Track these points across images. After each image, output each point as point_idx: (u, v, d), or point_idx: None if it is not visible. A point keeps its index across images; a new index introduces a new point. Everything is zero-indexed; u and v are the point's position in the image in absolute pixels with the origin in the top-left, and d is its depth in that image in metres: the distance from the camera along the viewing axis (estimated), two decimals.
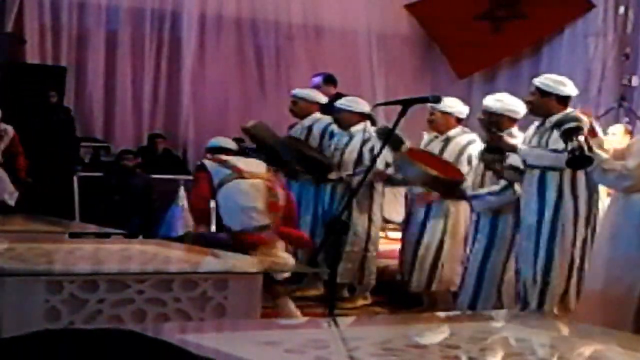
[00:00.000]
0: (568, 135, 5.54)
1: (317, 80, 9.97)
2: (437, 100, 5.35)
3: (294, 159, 8.05)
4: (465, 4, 13.07)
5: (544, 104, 6.18)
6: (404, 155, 6.93)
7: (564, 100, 6.19)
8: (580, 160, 5.46)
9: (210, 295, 4.54)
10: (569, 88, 6.23)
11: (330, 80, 9.90)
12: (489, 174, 6.62)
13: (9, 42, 11.57)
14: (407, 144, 7.22)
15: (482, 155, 6.52)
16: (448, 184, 6.80)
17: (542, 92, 6.18)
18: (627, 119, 9.44)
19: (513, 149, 6.24)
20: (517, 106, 6.60)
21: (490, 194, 6.57)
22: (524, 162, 6.22)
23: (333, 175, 7.92)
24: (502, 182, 6.50)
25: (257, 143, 8.44)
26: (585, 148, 5.43)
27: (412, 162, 6.85)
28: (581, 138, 5.49)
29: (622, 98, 10.83)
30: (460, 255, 7.11)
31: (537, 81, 6.25)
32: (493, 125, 6.39)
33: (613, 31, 12.22)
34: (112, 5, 12.31)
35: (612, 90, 11.61)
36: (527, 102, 6.34)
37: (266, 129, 8.34)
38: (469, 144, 7.19)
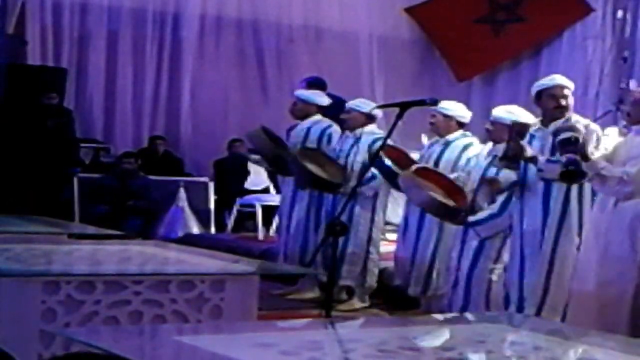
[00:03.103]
0: (563, 146, 5.52)
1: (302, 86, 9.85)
2: (434, 102, 5.35)
3: (302, 179, 7.98)
4: (465, 8, 13.10)
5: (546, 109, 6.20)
6: (410, 175, 6.82)
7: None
8: (573, 174, 5.45)
9: (207, 296, 4.54)
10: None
11: (313, 84, 9.81)
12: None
13: (11, 43, 11.59)
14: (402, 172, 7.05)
15: (497, 162, 6.47)
16: (451, 211, 6.71)
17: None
18: (624, 122, 9.45)
19: (533, 160, 6.18)
20: (527, 116, 6.60)
21: (492, 216, 6.54)
22: (539, 174, 6.18)
23: (345, 189, 7.84)
24: (500, 199, 6.48)
25: (260, 152, 8.44)
26: (580, 161, 5.41)
27: (417, 185, 6.68)
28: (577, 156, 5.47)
29: (620, 101, 10.84)
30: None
31: (532, 88, 6.28)
32: (518, 134, 6.33)
33: (611, 35, 12.26)
34: (114, 7, 12.34)
35: (610, 94, 11.64)
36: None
37: (265, 137, 8.27)
38: (466, 148, 7.20)
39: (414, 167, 6.89)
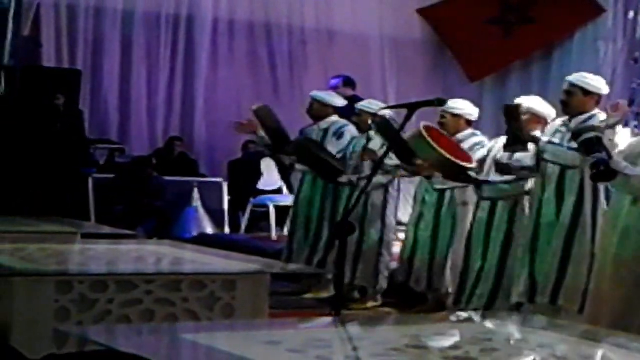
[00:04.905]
0: (588, 147, 5.52)
1: (336, 82, 9.97)
2: (443, 103, 5.36)
3: (305, 161, 8.08)
4: (477, 9, 13.09)
5: (583, 103, 6.23)
6: (421, 135, 6.88)
7: (600, 101, 6.26)
8: (605, 174, 5.44)
9: (218, 295, 4.58)
10: (605, 88, 6.33)
11: (349, 82, 9.92)
12: None
13: (26, 45, 11.66)
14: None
15: (505, 149, 6.52)
16: (457, 168, 6.79)
17: (584, 91, 6.22)
18: (635, 123, 9.47)
19: (534, 140, 6.22)
20: (544, 108, 6.61)
21: (504, 182, 6.60)
22: (541, 155, 6.23)
23: (343, 179, 7.93)
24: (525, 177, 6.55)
25: (263, 126, 8.42)
26: (608, 159, 5.41)
27: (427, 142, 6.76)
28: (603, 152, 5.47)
29: (631, 102, 10.85)
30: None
31: (576, 79, 6.28)
32: (512, 116, 6.36)
33: (622, 36, 12.26)
34: (128, 10, 12.39)
35: (622, 94, 11.61)
36: (563, 102, 6.35)
37: (270, 114, 8.33)
38: (475, 146, 7.23)
39: (422, 124, 6.94)
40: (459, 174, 6.80)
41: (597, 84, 6.27)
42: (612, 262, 5.62)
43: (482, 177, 6.76)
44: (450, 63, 13.56)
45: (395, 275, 7.86)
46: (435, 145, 6.63)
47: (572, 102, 6.26)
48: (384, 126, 7.36)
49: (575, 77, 6.31)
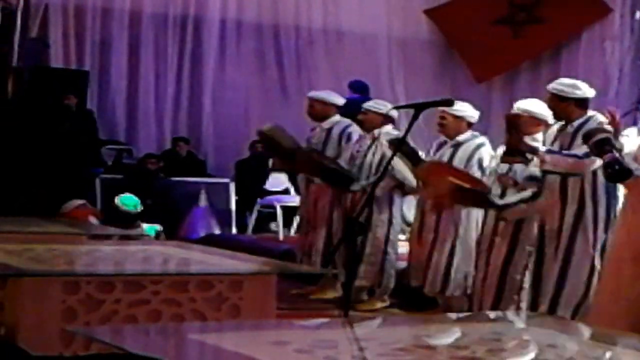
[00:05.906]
0: (599, 148, 5.50)
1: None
2: (450, 103, 5.34)
3: (315, 173, 8.06)
4: (484, 9, 13.11)
5: (563, 110, 6.20)
6: (430, 168, 6.87)
7: (583, 103, 6.21)
8: (619, 173, 5.42)
9: (225, 295, 4.58)
10: (584, 90, 6.25)
11: (350, 86, 9.93)
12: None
13: (34, 46, 11.71)
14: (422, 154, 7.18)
15: (502, 159, 6.51)
16: (476, 195, 6.74)
17: (559, 98, 6.20)
18: None
19: (533, 150, 6.22)
20: (543, 110, 6.60)
21: (522, 201, 6.56)
22: (541, 166, 6.23)
23: (356, 187, 7.89)
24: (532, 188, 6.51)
25: (273, 146, 8.37)
26: (621, 159, 5.39)
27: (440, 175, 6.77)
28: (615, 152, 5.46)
29: (638, 101, 10.88)
30: (472, 260, 7.11)
31: (552, 87, 6.28)
32: (513, 126, 6.37)
33: (629, 36, 12.28)
34: (135, 11, 12.43)
35: (629, 94, 11.65)
36: (550, 108, 6.36)
37: (283, 132, 8.29)
38: (478, 148, 7.19)
39: (429, 159, 6.90)
40: (479, 201, 6.71)
41: (571, 89, 6.20)
42: (631, 260, 5.59)
43: (501, 202, 6.66)
44: (458, 63, 13.57)
45: (407, 277, 7.85)
46: (451, 179, 6.60)
47: (554, 109, 6.26)
48: (406, 152, 7.26)
49: (552, 85, 6.31)
